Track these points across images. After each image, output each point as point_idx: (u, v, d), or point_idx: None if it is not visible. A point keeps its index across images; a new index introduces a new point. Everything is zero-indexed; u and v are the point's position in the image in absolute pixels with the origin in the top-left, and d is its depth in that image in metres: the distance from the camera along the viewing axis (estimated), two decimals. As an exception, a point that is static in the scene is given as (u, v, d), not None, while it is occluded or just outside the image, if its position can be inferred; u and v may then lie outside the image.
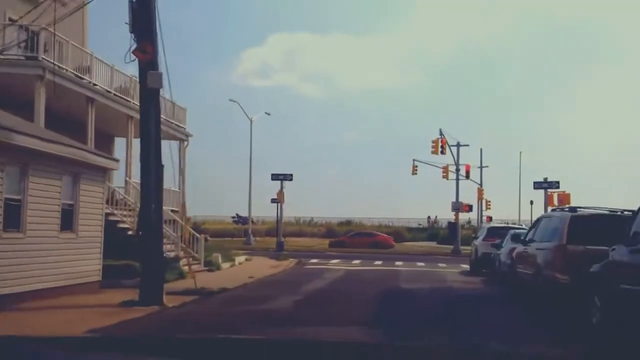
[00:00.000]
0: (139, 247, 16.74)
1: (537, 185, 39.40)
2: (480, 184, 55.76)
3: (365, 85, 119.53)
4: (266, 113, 61.35)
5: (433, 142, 46.33)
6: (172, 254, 24.37)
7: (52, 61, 21.40)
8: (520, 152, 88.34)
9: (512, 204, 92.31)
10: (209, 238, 34.21)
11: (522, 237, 19.04)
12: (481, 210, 55.80)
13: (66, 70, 23.00)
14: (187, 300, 17.70)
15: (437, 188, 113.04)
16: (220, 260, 28.02)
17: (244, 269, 28.87)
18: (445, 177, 49.88)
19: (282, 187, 34.35)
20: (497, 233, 26.78)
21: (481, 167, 54.53)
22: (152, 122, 16.00)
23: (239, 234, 75.66)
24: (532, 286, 16.54)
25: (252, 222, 75.84)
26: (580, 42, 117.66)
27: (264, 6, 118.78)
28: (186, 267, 23.26)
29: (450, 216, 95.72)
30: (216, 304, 17.77)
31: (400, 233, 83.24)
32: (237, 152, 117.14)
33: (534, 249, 16.82)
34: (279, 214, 39.72)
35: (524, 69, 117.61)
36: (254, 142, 53.41)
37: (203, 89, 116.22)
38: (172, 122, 33.10)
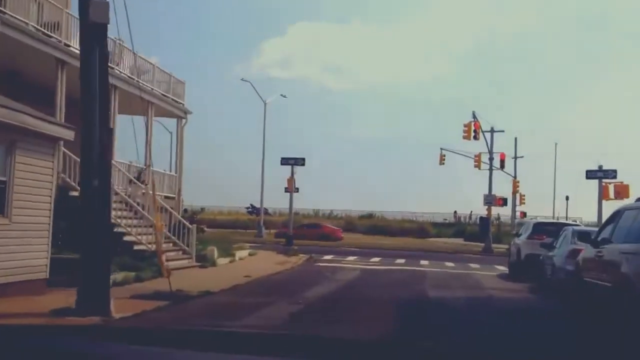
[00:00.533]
0: (80, 235, 12.46)
1: (591, 175, 34.13)
2: (515, 176, 50.88)
3: (390, 76, 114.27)
4: (282, 95, 57.14)
5: (465, 126, 41.55)
6: (153, 247, 20.11)
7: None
8: (556, 144, 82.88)
9: (545, 199, 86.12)
10: (205, 229, 29.94)
11: (592, 237, 14.40)
12: (515, 205, 50.91)
13: None
14: (149, 308, 13.40)
15: (467, 180, 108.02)
16: (215, 254, 23.71)
17: (243, 265, 24.55)
18: (478, 166, 45.12)
19: (292, 173, 30.00)
20: (546, 230, 22.12)
21: (515, 158, 49.63)
22: (94, 72, 11.64)
23: (254, 225, 71.63)
24: (611, 304, 11.91)
25: (267, 213, 71.80)
26: (617, 26, 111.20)
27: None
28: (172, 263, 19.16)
29: (480, 211, 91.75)
30: (185, 314, 13.43)
31: (425, 228, 78.51)
32: (255, 140, 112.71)
33: (615, 252, 12.17)
34: (290, 204, 35.37)
35: (557, 53, 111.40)
36: (272, 130, 49.05)
37: (223, 80, 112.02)
38: (168, 97, 28.83)
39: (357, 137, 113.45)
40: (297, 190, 30.45)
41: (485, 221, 44.73)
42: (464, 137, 41.49)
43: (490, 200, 44.29)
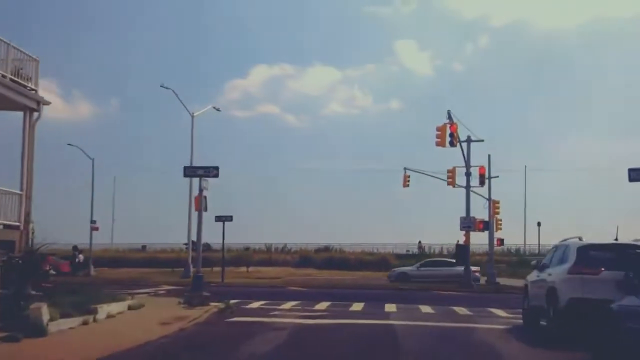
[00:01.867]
0: None
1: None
2: (489, 197, 41.83)
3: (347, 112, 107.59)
4: (215, 108, 47.75)
5: (438, 129, 32.31)
6: None
7: None
8: (525, 166, 74.72)
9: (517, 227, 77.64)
10: (52, 270, 20.01)
11: None
12: (492, 231, 41.75)
13: None
14: None
15: (434, 205, 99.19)
16: (46, 316, 13.78)
17: (100, 330, 14.68)
18: (451, 183, 36.01)
19: (201, 189, 19.98)
20: (600, 258, 12.74)
21: (489, 178, 40.20)
22: None
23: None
24: None
25: (209, 248, 61.66)
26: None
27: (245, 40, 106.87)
28: None
29: (442, 241, 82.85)
30: None
31: (387, 260, 68.91)
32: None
33: None
34: (199, 227, 24.66)
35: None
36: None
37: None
38: (5, 77, 19.06)
39: (318, 169, 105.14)
40: (205, 209, 20.55)
41: (463, 249, 35.46)
42: (437, 144, 32.30)
43: (469, 223, 35.08)
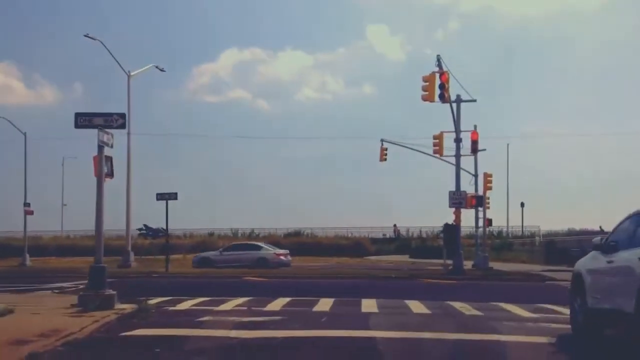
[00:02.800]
0: None
1: None
2: (475, 172, 36.07)
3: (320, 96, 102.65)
4: (158, 68, 41.52)
5: (425, 80, 26.24)
6: None
7: None
8: (508, 144, 69.18)
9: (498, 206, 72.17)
10: None
11: None
12: (485, 210, 36.01)
13: None
14: None
15: (416, 183, 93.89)
16: None
17: None
18: (438, 151, 30.16)
19: (100, 146, 14.21)
20: None
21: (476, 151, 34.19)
22: None
23: (153, 250, 55.29)
24: None
25: (163, 234, 55.37)
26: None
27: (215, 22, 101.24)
28: None
29: (426, 223, 77.00)
30: None
31: (362, 245, 63.49)
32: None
33: None
34: (98, 208, 18.02)
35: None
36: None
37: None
38: None
39: (291, 157, 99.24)
40: (111, 174, 14.53)
41: (452, 230, 29.65)
42: (425, 99, 26.29)
43: (460, 199, 29.31)
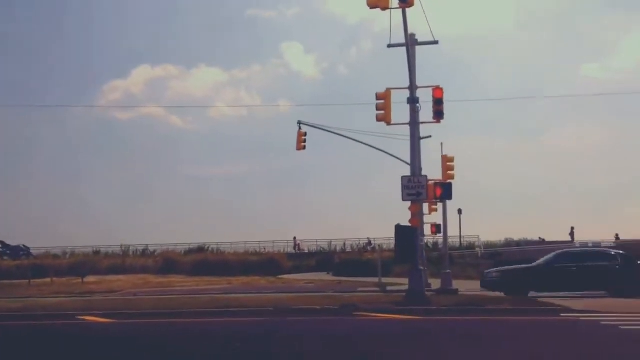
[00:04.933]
0: None
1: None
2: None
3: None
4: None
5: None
6: None
7: None
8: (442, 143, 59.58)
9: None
10: None
11: None
12: (445, 207, 25.70)
13: None
14: None
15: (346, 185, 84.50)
16: None
17: None
18: (385, 118, 19.32)
19: None
20: None
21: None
22: None
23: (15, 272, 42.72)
24: None
25: (25, 253, 42.84)
26: None
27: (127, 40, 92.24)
28: None
29: (352, 236, 66.25)
30: None
31: (276, 261, 52.19)
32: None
33: None
34: None
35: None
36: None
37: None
38: None
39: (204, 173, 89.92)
40: None
41: (407, 234, 18.74)
42: (371, 5, 15.53)
43: (419, 188, 18.58)
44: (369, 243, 59.69)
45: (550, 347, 10.93)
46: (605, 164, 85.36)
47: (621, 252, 23.53)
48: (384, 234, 53.68)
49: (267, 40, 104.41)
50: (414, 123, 19.57)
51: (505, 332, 13.22)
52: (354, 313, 16.98)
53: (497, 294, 21.74)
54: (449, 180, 23.52)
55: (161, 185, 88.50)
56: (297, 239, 60.46)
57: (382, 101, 19.50)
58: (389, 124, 19.55)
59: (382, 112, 19.50)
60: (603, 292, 21.63)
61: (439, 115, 19.24)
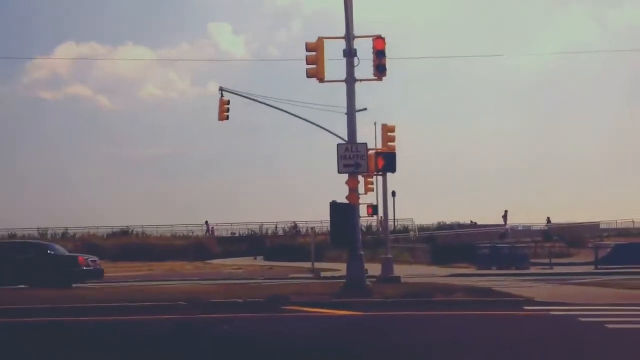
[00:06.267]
0: None
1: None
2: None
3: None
4: None
5: None
6: None
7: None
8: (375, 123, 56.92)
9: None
10: None
11: None
12: (385, 181, 22.87)
13: None
14: None
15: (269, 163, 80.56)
16: None
17: None
18: (317, 73, 16.21)
19: None
20: None
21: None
22: None
23: None
24: None
25: None
26: None
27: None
28: None
29: (280, 218, 63.06)
30: None
31: (205, 245, 48.75)
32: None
33: None
34: None
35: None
36: None
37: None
38: None
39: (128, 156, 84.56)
40: None
41: (344, 213, 15.73)
42: None
43: (357, 158, 15.63)
44: (295, 227, 56.59)
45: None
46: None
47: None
48: (318, 217, 50.74)
49: (194, 19, 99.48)
50: (351, 80, 16.52)
51: (469, 333, 10.37)
52: (283, 307, 13.92)
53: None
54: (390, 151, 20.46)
55: (84, 166, 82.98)
56: (209, 223, 56.82)
57: (314, 53, 16.33)
58: (321, 80, 16.41)
59: (314, 66, 16.34)
60: None
61: (380, 70, 16.25)
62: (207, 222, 56.62)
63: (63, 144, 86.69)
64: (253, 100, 23.14)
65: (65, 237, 53.30)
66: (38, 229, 54.19)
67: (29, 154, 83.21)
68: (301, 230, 56.86)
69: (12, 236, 53.49)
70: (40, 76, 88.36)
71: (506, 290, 16.54)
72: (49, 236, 53.60)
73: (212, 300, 14.96)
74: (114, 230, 54.81)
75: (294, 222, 57.34)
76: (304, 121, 22.70)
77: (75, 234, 54.04)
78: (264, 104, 22.46)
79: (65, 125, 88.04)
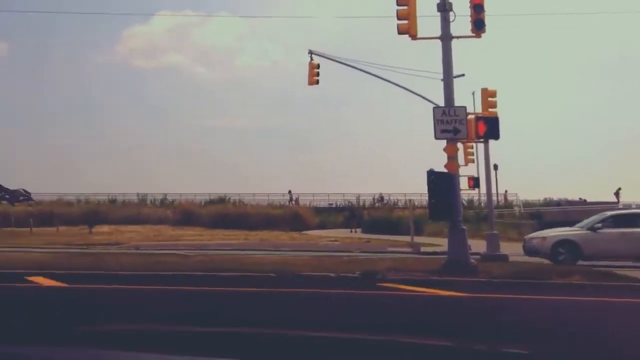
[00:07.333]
0: None
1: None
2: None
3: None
4: None
5: None
6: None
7: None
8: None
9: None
10: None
11: None
12: (487, 151, 21.21)
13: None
14: None
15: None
16: None
17: None
18: (409, 29, 14.69)
19: None
20: None
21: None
22: None
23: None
24: None
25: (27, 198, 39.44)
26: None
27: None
28: None
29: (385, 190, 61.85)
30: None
31: (301, 216, 48.27)
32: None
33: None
34: None
35: None
36: None
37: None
38: None
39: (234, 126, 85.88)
40: None
41: (444, 182, 14.24)
42: None
43: (456, 122, 14.04)
44: (381, 199, 55.37)
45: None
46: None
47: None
48: (416, 189, 49.20)
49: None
50: (447, 37, 14.98)
51: (601, 325, 8.80)
52: (378, 284, 12.75)
53: (539, 260, 18.19)
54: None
55: (181, 135, 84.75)
56: (292, 192, 56.51)
57: (405, 7, 14.82)
58: (414, 37, 14.90)
59: (405, 21, 14.86)
60: None
61: (478, 26, 14.64)
62: (290, 191, 56.45)
63: (158, 113, 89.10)
64: (342, 63, 21.98)
65: (163, 203, 54.43)
66: (137, 194, 55.52)
67: (129, 122, 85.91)
68: (387, 201, 56.00)
69: (112, 201, 55.21)
70: (136, 45, 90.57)
71: (632, 274, 14.66)
72: (148, 202, 54.93)
73: (303, 273, 14.02)
74: (211, 198, 55.34)
75: (380, 194, 56.42)
76: (396, 87, 21.37)
77: (173, 200, 54.92)
78: (353, 67, 21.23)
79: (162, 94, 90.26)
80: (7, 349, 1.48)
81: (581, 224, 20.13)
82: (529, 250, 19.49)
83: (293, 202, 55.34)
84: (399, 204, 54.77)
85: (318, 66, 22.96)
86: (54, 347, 1.49)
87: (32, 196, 40.64)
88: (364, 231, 42.61)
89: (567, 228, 20.64)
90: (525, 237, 21.85)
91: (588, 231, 18.77)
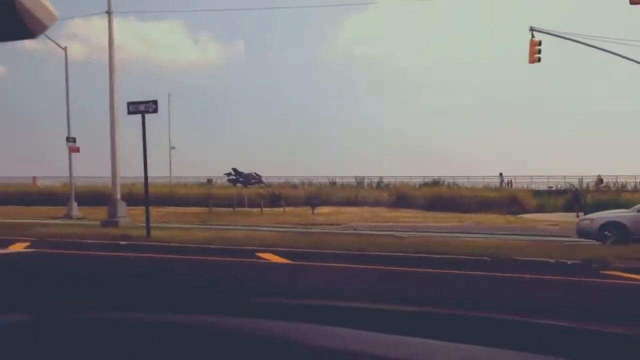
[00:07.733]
0: None
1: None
2: None
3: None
4: None
5: None
6: None
7: None
8: None
9: None
10: None
11: None
12: None
13: None
14: None
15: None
16: None
17: None
18: None
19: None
20: None
21: None
22: None
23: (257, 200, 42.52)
24: None
25: (259, 181, 42.42)
26: None
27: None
28: None
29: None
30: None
31: (518, 199, 46.60)
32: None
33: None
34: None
35: None
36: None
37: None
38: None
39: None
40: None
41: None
42: None
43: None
44: (600, 181, 51.34)
45: None
46: None
47: None
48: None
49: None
50: None
51: None
52: (602, 272, 12.01)
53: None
54: None
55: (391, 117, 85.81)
56: (503, 174, 54.23)
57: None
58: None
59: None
60: None
61: None
62: (501, 174, 54.59)
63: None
64: (567, 39, 20.83)
65: (379, 186, 55.61)
66: (355, 177, 57.28)
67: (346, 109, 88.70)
68: (607, 183, 52.02)
69: (333, 184, 57.62)
70: (356, 34, 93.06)
71: None
72: (365, 185, 56.47)
73: (519, 258, 13.61)
74: (426, 181, 55.45)
75: (599, 176, 52.52)
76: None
77: (388, 183, 55.89)
78: (580, 42, 20.01)
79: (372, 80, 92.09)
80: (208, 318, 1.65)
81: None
82: (581, 232, 19.85)
83: (504, 185, 53.75)
84: (628, 186, 50.69)
85: (540, 43, 22.04)
86: (274, 320, 1.65)
87: (263, 179, 43.68)
88: (586, 213, 40.06)
89: (617, 210, 21.72)
90: (578, 218, 22.48)
91: (638, 213, 18.85)
